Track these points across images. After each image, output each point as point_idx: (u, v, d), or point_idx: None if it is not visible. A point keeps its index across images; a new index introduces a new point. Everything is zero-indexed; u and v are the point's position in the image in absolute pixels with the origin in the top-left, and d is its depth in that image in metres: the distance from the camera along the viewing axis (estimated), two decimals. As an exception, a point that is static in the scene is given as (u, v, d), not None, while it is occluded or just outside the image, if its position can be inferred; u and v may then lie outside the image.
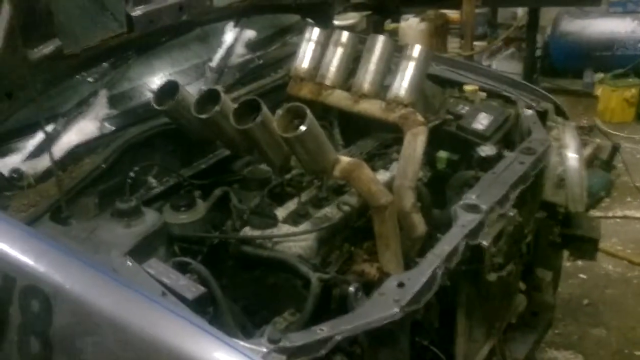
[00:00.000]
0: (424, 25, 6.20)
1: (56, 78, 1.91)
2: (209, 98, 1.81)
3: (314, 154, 1.71)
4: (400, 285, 1.47)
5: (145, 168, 1.95)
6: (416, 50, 2.14)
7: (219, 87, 1.99)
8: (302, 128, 1.62)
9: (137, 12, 2.07)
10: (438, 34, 6.33)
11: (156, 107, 1.89)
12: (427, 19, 6.23)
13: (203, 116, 1.78)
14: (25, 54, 1.74)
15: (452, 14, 6.41)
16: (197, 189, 2.01)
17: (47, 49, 1.82)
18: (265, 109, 1.72)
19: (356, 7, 6.75)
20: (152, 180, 1.99)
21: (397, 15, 6.54)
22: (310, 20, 2.91)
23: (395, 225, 1.74)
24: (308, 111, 1.65)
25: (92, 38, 2.01)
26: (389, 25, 6.61)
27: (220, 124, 1.82)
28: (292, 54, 2.53)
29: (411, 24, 6.27)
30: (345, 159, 1.76)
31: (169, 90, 1.89)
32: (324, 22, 2.87)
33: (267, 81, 2.46)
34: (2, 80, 1.70)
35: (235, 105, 1.77)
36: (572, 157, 2.22)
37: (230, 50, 2.50)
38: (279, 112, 1.69)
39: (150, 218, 1.69)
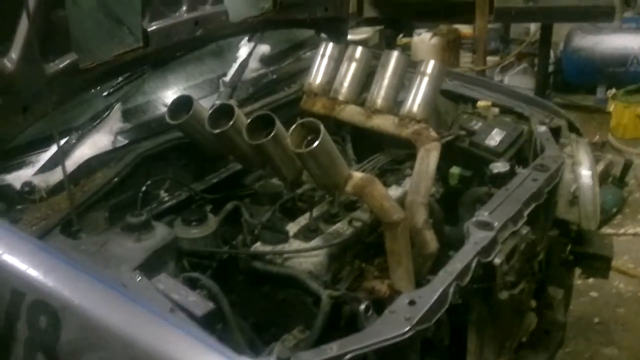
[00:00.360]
0: (437, 40, 6.21)
1: (71, 92, 1.92)
2: (223, 113, 1.82)
3: (326, 169, 1.71)
4: (412, 303, 1.45)
5: (157, 182, 1.96)
6: (430, 66, 2.14)
7: (233, 102, 1.99)
8: (315, 144, 1.62)
9: (153, 27, 2.09)
10: (450, 48, 6.34)
11: (170, 121, 1.90)
12: (440, 34, 6.24)
13: (216, 131, 1.78)
14: (41, 67, 1.75)
15: (465, 29, 6.42)
16: (209, 203, 2.02)
17: (63, 63, 1.84)
18: (278, 124, 1.72)
19: (369, 22, 6.78)
20: (164, 194, 1.99)
21: (409, 30, 6.57)
22: (324, 36, 2.93)
23: (407, 242, 1.73)
24: (322, 127, 1.64)
25: (107, 52, 2.03)
26: (401, 39, 6.63)
27: (233, 139, 1.83)
28: (305, 69, 2.54)
29: (424, 39, 6.28)
30: (357, 175, 1.75)
31: (183, 104, 1.90)
32: (338, 37, 2.89)
33: (281, 96, 2.47)
34: (18, 94, 1.72)
35: (249, 120, 1.77)
36: (586, 174, 2.21)
37: (244, 65, 2.52)
38: (293, 127, 1.68)
39: (160, 232, 1.69)
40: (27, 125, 1.79)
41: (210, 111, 1.84)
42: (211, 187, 2.09)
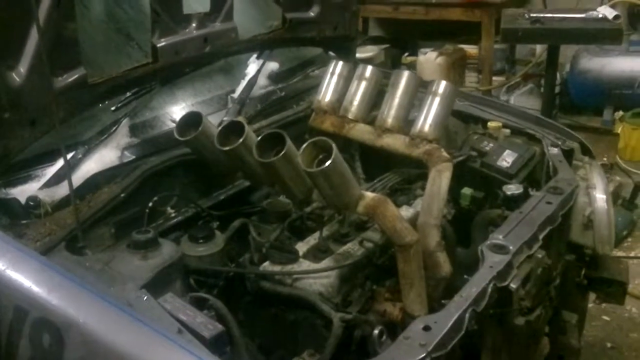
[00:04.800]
0: (442, 60, 6.20)
1: (79, 106, 1.89)
2: (232, 130, 1.79)
3: (338, 189, 1.67)
4: (427, 328, 1.41)
5: (163, 198, 1.92)
6: (442, 86, 2.11)
7: (242, 119, 1.96)
8: (328, 163, 1.59)
9: (162, 42, 2.08)
10: (455, 68, 6.33)
11: (178, 137, 1.87)
12: (445, 53, 6.23)
13: (226, 148, 1.75)
14: (50, 81, 1.73)
15: (470, 49, 6.43)
16: (215, 220, 1.98)
17: (72, 77, 1.82)
18: (289, 142, 1.69)
19: (374, 40, 6.81)
20: (170, 211, 1.96)
21: (414, 49, 6.58)
22: (332, 54, 2.92)
23: (420, 264, 1.68)
24: (334, 146, 1.61)
25: (116, 67, 2.01)
26: (406, 58, 6.63)
27: (242, 156, 1.79)
28: (313, 87, 2.53)
29: (429, 58, 6.27)
30: (369, 195, 1.71)
31: (192, 121, 1.87)
32: (347, 55, 2.87)
33: (289, 113, 2.44)
34: (27, 108, 1.69)
35: (259, 138, 1.74)
36: (600, 197, 2.17)
37: (252, 82, 2.49)
38: (304, 146, 1.65)
39: (167, 250, 1.65)
40: (34, 139, 1.76)
41: (220, 128, 1.81)
42: (218, 204, 2.05)
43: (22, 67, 1.68)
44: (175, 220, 1.93)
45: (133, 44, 2.18)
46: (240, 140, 1.74)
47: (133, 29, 2.21)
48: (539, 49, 6.22)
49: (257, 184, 1.99)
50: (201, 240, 1.80)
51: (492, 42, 5.98)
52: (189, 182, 2.04)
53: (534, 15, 5.00)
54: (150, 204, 1.87)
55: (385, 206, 1.69)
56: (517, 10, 5.30)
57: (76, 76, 1.83)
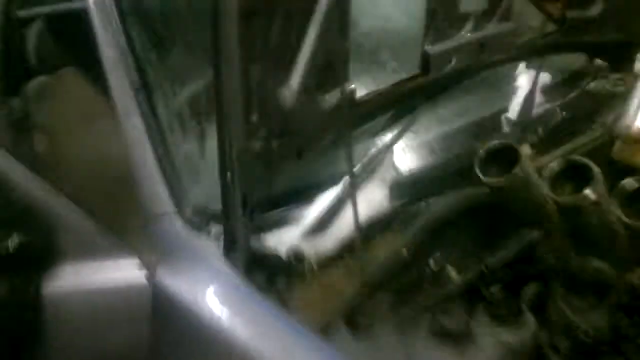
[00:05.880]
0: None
1: (345, 130, 1.50)
2: (570, 172, 1.27)
3: None
4: None
5: (446, 255, 1.46)
6: None
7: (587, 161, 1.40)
8: None
9: (436, 49, 1.65)
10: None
11: (482, 177, 1.38)
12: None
13: (571, 200, 1.22)
14: (319, 101, 1.36)
15: None
16: (502, 282, 1.49)
17: (340, 94, 1.43)
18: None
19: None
20: (452, 271, 1.49)
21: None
22: (600, 62, 2.33)
23: None
24: None
25: (383, 81, 1.62)
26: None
27: (580, 209, 1.27)
28: (600, 106, 1.99)
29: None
30: None
31: (501, 155, 1.38)
32: (623, 65, 2.27)
33: (583, 141, 1.88)
34: (295, 135, 1.31)
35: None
36: None
37: (530, 98, 1.97)
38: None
39: (485, 340, 1.18)
40: (299, 173, 1.40)
41: (555, 168, 1.30)
42: (506, 263, 1.55)
43: (292, 88, 1.31)
44: (457, 285, 1.46)
45: (401, 54, 1.78)
46: (590, 191, 1.20)
47: (399, 38, 1.82)
48: None
49: (584, 244, 1.45)
50: (508, 321, 1.32)
51: None
52: (472, 232, 1.57)
53: None
54: (433, 265, 1.42)
55: None
56: None
57: (345, 93, 1.44)
